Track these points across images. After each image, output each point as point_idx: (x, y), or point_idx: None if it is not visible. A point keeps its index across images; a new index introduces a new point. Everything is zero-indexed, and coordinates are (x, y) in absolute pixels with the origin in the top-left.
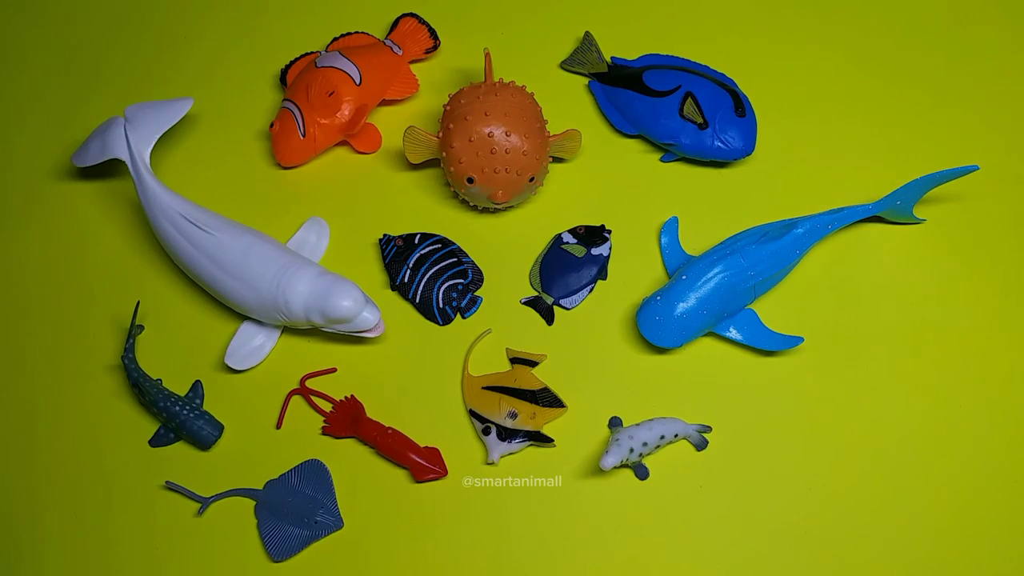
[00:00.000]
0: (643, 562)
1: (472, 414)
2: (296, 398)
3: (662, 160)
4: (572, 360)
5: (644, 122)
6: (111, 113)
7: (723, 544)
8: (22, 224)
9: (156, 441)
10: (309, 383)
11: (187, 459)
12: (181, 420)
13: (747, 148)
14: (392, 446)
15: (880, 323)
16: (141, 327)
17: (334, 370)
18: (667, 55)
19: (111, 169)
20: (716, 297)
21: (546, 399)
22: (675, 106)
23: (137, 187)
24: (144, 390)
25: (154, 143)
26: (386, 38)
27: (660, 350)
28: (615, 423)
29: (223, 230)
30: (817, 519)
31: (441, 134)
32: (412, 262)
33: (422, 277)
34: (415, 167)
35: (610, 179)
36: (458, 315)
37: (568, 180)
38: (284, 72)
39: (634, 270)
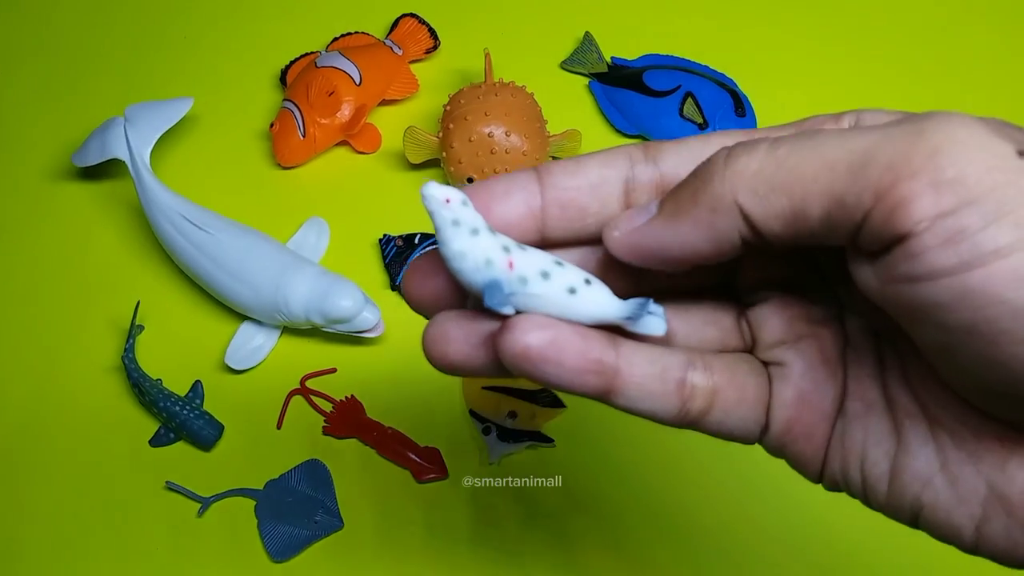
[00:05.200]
0: (644, 562)
1: (472, 414)
2: (296, 398)
3: None
4: None
5: (644, 122)
6: (111, 113)
7: (725, 544)
8: (21, 224)
9: (156, 441)
10: (309, 383)
11: (187, 459)
12: (181, 420)
13: None
14: (392, 446)
15: None
16: (141, 327)
17: (334, 370)
18: (667, 55)
19: (111, 169)
20: None
21: (546, 399)
22: (675, 106)
23: (137, 187)
24: (144, 390)
25: (154, 143)
26: (386, 38)
27: None
28: None
29: (223, 230)
30: (822, 520)
31: (441, 134)
32: (412, 262)
33: None
34: (415, 167)
35: None
36: None
37: None
38: (284, 72)
39: None
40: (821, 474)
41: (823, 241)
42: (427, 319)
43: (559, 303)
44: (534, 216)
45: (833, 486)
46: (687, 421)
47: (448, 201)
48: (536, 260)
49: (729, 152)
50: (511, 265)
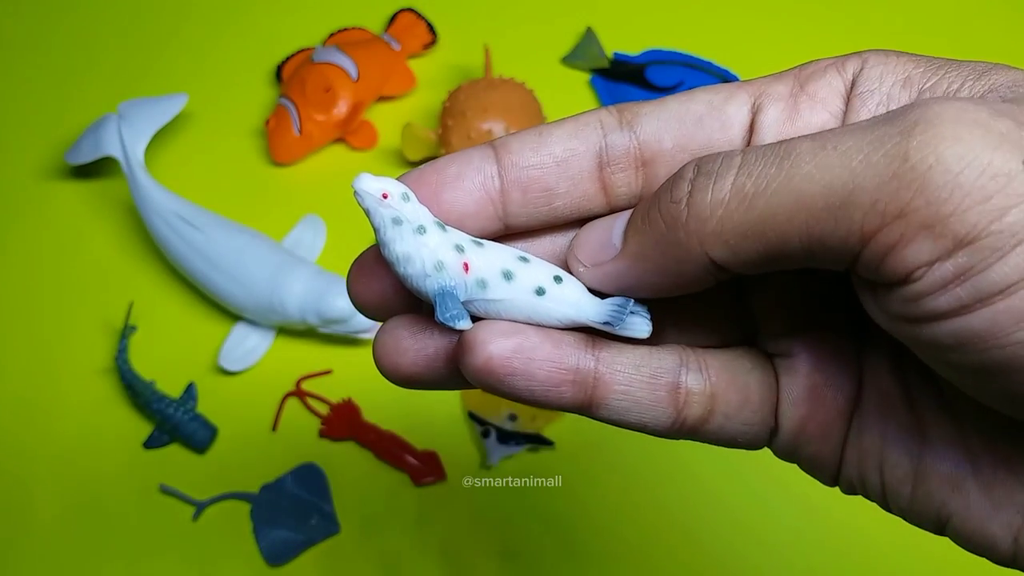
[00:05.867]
0: (645, 563)
1: (471, 416)
2: (292, 400)
3: None
4: None
5: None
6: (104, 110)
7: (729, 545)
8: (13, 223)
9: (150, 443)
10: (304, 385)
11: (182, 462)
12: (175, 423)
13: None
14: (390, 449)
15: None
16: (134, 328)
17: (330, 372)
18: (670, 50)
19: (104, 167)
20: None
21: None
22: None
23: (130, 185)
24: (137, 392)
25: (148, 140)
26: (383, 33)
27: None
28: None
29: (217, 229)
30: (836, 521)
31: (439, 131)
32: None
33: None
34: (413, 164)
35: None
36: None
37: None
38: (280, 68)
39: None
40: (836, 477)
41: (814, 267)
42: (379, 321)
43: (526, 306)
44: (493, 202)
45: (850, 489)
46: (684, 431)
47: (386, 196)
48: (496, 258)
49: (691, 188)
50: (466, 267)
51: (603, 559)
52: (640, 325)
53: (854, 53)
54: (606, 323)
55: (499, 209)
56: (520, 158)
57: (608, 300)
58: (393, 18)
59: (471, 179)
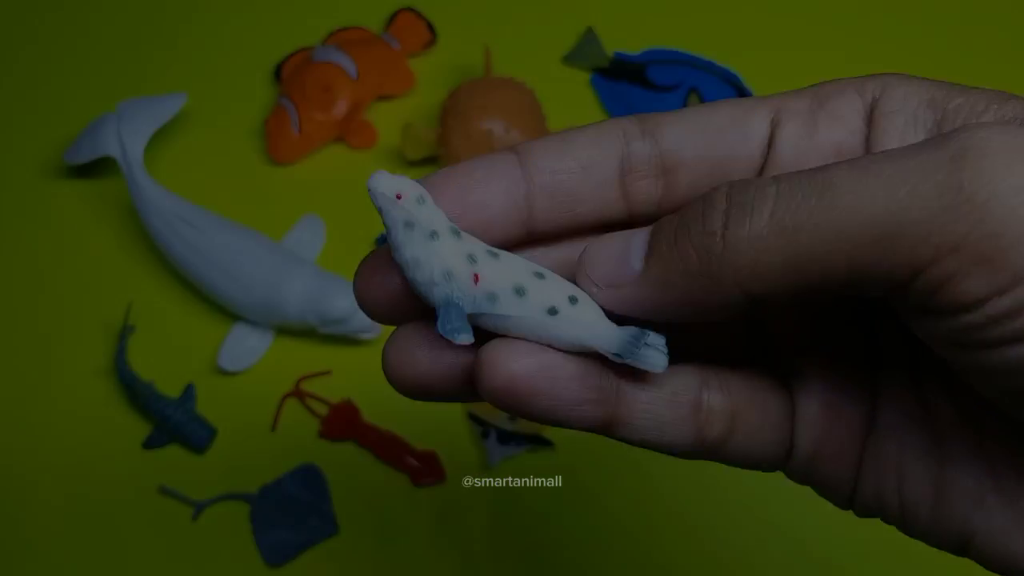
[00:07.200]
0: (646, 563)
1: (471, 417)
2: (291, 401)
3: None
4: None
5: None
6: (103, 109)
7: (729, 545)
8: (11, 223)
9: (149, 444)
10: (304, 385)
11: (181, 462)
12: (174, 423)
13: None
14: (389, 450)
15: None
16: (133, 328)
17: (329, 372)
18: (671, 49)
19: (103, 167)
20: None
21: None
22: (679, 101)
23: (129, 185)
24: (136, 393)
25: (147, 140)
26: (383, 32)
27: None
28: None
29: (217, 229)
30: (824, 522)
31: (439, 130)
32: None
33: None
34: (413, 164)
35: None
36: None
37: None
38: (279, 67)
39: None
40: (851, 499)
41: (853, 295)
42: (384, 324)
43: (536, 325)
44: (518, 207)
45: (866, 512)
46: (703, 450)
47: (400, 197)
48: (510, 271)
49: (726, 220)
50: (476, 279)
51: (603, 559)
52: (656, 359)
53: (873, 75)
54: (616, 353)
55: (524, 214)
56: (545, 163)
57: (623, 329)
58: (393, 17)
59: (497, 183)
